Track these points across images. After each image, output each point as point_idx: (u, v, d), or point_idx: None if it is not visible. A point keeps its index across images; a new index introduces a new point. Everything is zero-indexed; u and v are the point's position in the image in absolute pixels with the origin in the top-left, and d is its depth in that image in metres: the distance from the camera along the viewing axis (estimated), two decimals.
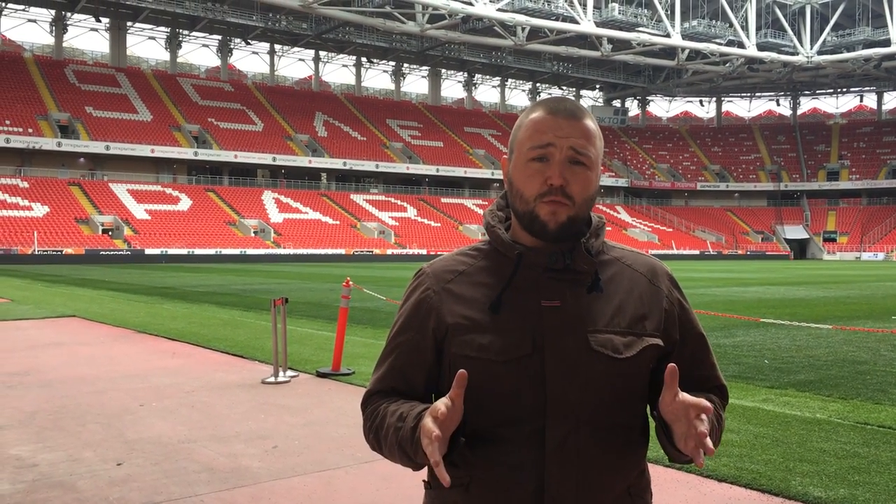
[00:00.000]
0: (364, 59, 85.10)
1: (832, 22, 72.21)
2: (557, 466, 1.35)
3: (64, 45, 71.30)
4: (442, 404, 1.25)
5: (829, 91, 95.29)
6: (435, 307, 1.44)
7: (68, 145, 58.22)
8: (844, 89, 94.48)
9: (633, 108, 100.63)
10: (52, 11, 69.37)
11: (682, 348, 1.48)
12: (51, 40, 71.37)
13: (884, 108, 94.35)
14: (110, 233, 53.01)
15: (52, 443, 5.35)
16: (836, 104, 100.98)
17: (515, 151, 1.44)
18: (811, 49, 73.66)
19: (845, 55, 72.85)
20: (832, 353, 9.58)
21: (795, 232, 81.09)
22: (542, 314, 1.38)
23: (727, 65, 75.78)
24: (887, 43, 69.29)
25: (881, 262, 66.05)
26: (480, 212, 72.97)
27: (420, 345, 1.46)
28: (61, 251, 48.12)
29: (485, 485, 1.38)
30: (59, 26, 70.14)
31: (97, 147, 58.99)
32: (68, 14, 69.59)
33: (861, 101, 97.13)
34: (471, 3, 59.06)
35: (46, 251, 47.52)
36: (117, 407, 6.50)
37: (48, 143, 57.18)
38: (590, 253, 1.42)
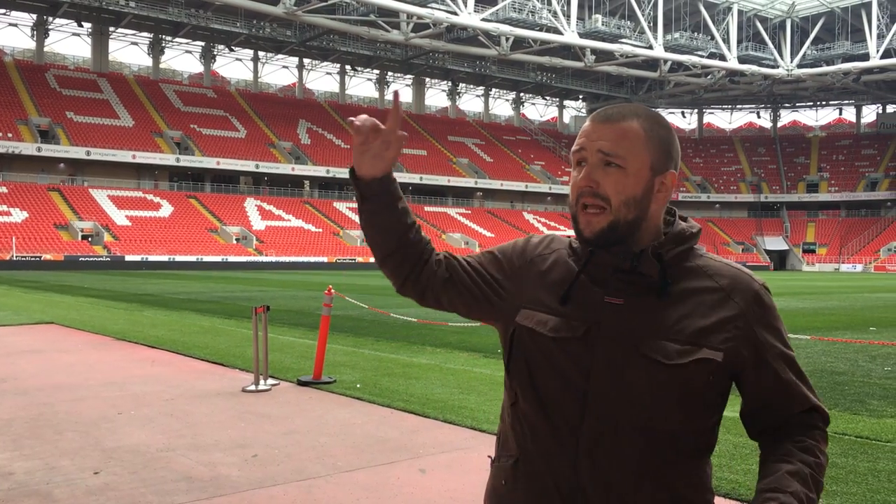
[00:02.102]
0: (348, 67, 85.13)
1: (812, 36, 73.09)
2: (590, 461, 1.38)
3: (45, 49, 70.78)
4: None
5: (808, 104, 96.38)
6: (514, 273, 1.55)
7: (48, 150, 57.74)
8: (824, 102, 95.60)
9: None
10: (34, 16, 68.86)
11: (758, 370, 1.44)
12: (32, 45, 70.83)
13: (862, 121, 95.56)
14: (90, 239, 52.57)
15: (28, 451, 5.29)
16: (815, 117, 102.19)
17: None
18: (791, 62, 74.50)
19: (825, 69, 73.73)
20: (811, 363, 9.66)
21: (775, 243, 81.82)
22: (603, 309, 1.42)
23: (709, 77, 76.47)
24: (866, 57, 70.21)
25: (859, 273, 66.73)
26: (464, 220, 73.08)
27: (483, 273, 1.55)
28: (40, 257, 47.66)
29: (530, 463, 1.44)
30: (41, 31, 69.63)
31: (78, 152, 58.53)
32: (50, 18, 69.11)
33: (840, 114, 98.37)
34: (455, 13, 59.26)
35: (25, 257, 47.06)
36: (95, 415, 6.44)
37: (28, 147, 56.67)
38: (660, 258, 1.42)
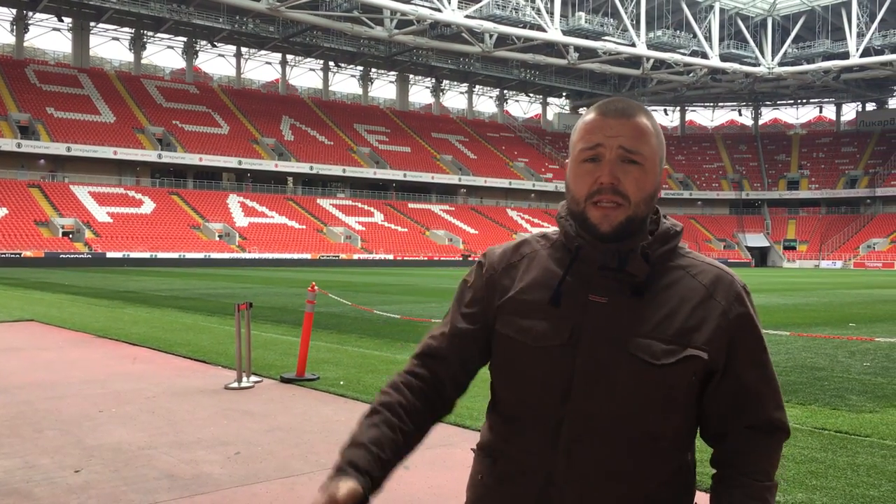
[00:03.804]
0: (332, 64, 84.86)
1: (793, 34, 73.65)
2: (566, 464, 1.36)
3: (25, 44, 70.06)
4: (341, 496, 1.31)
5: (789, 102, 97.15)
6: (492, 283, 1.50)
7: (28, 146, 57.17)
8: (804, 100, 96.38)
9: None
10: (13, 10, 68.14)
11: (731, 368, 1.42)
12: (11, 40, 70.08)
13: (842, 119, 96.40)
14: (71, 236, 52.13)
15: (8, 449, 5.24)
16: (796, 115, 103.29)
17: (570, 155, 1.45)
18: (772, 60, 75.04)
19: (805, 67, 74.33)
20: (791, 359, 9.74)
21: (756, 240, 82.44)
22: (587, 308, 1.39)
23: (691, 75, 76.87)
24: (846, 56, 70.82)
25: (839, 269, 67.38)
26: (447, 217, 73.11)
27: (476, 318, 1.51)
28: (20, 254, 47.20)
29: (507, 462, 1.43)
30: (20, 25, 68.91)
31: (58, 148, 58.00)
32: (29, 13, 68.42)
33: (820, 112, 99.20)
34: (439, 10, 59.20)
35: (4, 254, 46.59)
36: (76, 413, 6.39)
37: (7, 143, 56.10)
38: (647, 258, 1.40)
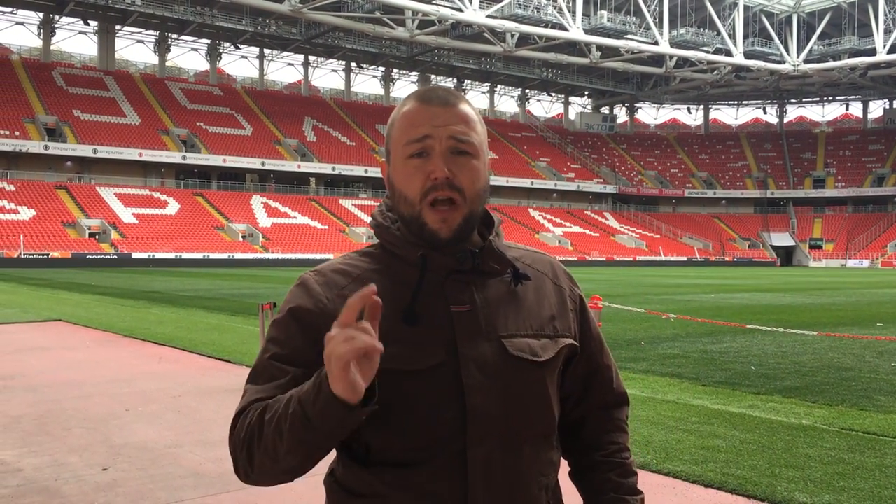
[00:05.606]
0: (353, 65, 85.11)
1: (818, 31, 72.78)
2: (483, 489, 1.23)
3: (52, 47, 70.92)
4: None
5: (815, 99, 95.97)
6: (329, 316, 1.17)
7: (55, 148, 57.87)
8: (830, 98, 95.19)
9: (621, 115, 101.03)
10: (40, 14, 69.04)
11: (583, 349, 1.41)
12: (38, 43, 71.00)
13: (869, 116, 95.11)
14: (97, 236, 52.71)
15: (37, 447, 5.32)
16: (822, 112, 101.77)
17: (392, 152, 1.31)
18: (798, 58, 74.22)
19: (831, 64, 73.43)
20: (818, 359, 9.63)
21: (782, 239, 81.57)
22: (451, 320, 1.26)
23: (714, 73, 76.22)
24: (873, 52, 69.86)
25: (866, 269, 66.48)
26: None
27: (311, 359, 1.22)
28: (47, 255, 47.81)
29: None
30: (47, 29, 69.78)
31: (84, 150, 58.65)
32: (56, 17, 69.24)
33: (847, 109, 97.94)
34: (460, 10, 59.18)
35: (32, 255, 47.21)
36: (103, 412, 6.46)
37: (35, 146, 56.82)
38: (499, 252, 1.32)
